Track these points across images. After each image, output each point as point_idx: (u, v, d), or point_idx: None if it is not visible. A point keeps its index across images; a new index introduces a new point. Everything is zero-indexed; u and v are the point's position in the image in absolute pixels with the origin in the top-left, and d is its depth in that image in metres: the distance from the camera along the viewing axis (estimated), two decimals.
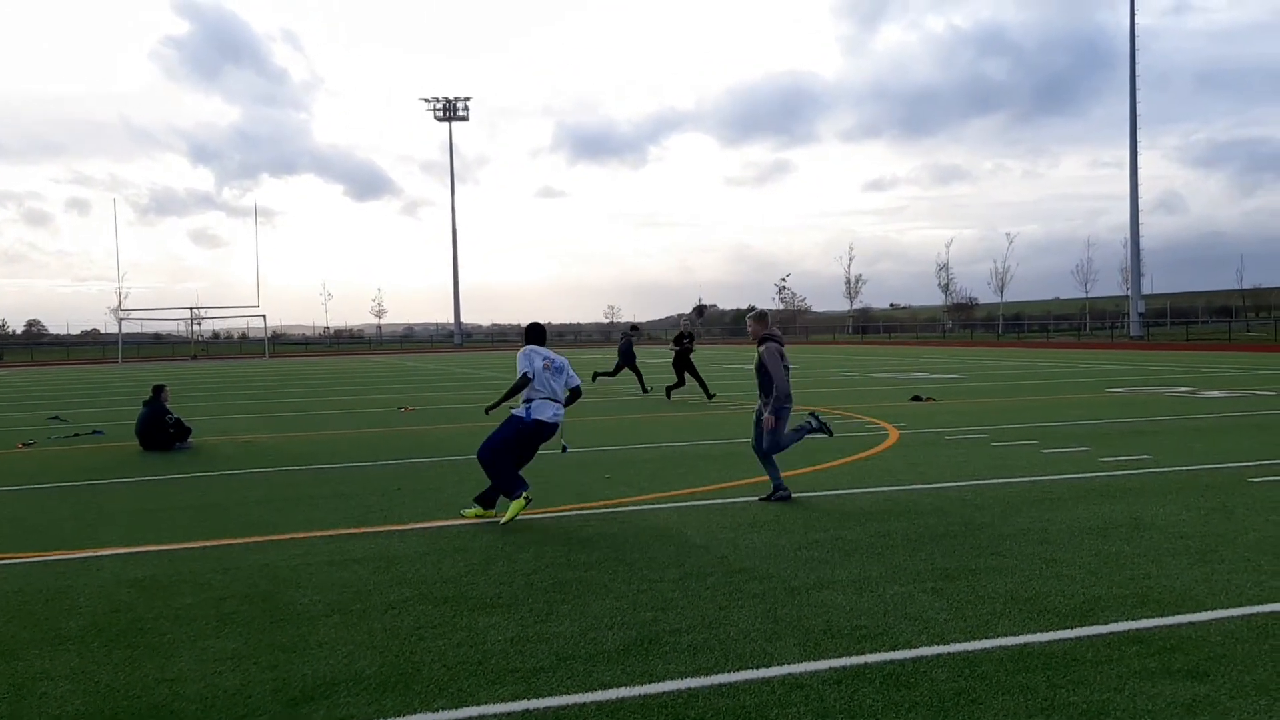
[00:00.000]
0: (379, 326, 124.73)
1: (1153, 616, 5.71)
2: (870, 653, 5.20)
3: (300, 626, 5.93)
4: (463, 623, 5.91)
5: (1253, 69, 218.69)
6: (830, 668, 4.99)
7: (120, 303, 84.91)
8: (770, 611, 5.96)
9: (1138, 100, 73.34)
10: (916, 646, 5.28)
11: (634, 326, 30.06)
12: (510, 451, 9.06)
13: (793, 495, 9.54)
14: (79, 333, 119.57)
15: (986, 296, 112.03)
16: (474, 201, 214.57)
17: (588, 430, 16.53)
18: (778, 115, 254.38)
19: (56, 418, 21.47)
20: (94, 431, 18.06)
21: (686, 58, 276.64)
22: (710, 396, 22.66)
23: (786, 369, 9.56)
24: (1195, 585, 6.35)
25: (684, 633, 5.60)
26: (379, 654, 5.40)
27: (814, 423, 9.86)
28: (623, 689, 4.79)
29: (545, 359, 9.20)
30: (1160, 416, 16.97)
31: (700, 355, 32.86)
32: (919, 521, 8.43)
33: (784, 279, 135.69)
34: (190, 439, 15.38)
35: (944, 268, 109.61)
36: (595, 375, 26.96)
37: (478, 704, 4.66)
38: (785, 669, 4.99)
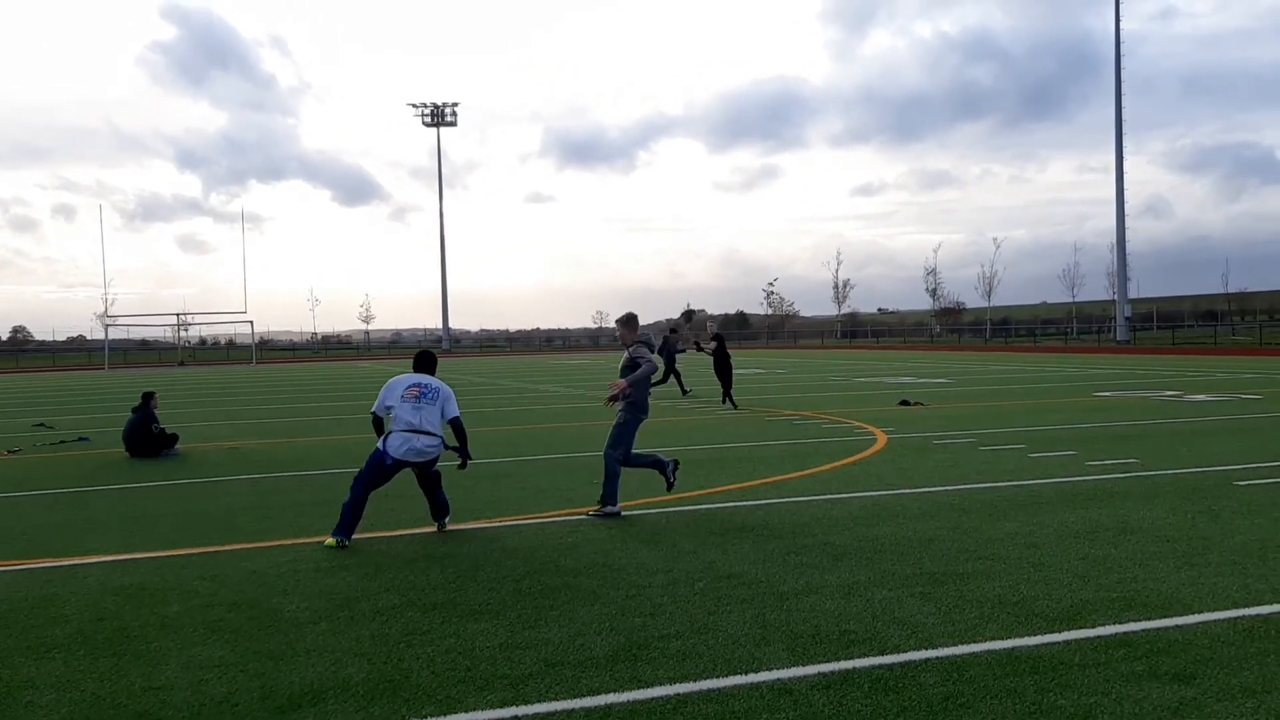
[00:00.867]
0: (367, 332, 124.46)
1: (1139, 620, 5.73)
2: (858, 657, 5.20)
3: (288, 634, 5.90)
4: (451, 629, 5.90)
5: (1238, 74, 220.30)
6: (819, 673, 4.99)
7: (106, 309, 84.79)
8: (758, 616, 5.96)
9: (1124, 105, 73.66)
10: (905, 651, 5.29)
11: (674, 330, 26.63)
12: (365, 484, 8.49)
13: (623, 514, 9.29)
14: (65, 339, 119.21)
15: (974, 301, 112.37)
16: (463, 207, 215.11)
17: (575, 436, 16.53)
18: (766, 120, 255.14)
19: (42, 425, 21.35)
20: (80, 438, 17.97)
21: (675, 63, 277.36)
22: (685, 393, 23.44)
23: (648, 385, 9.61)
24: (1182, 588, 6.37)
25: (672, 638, 5.59)
26: (367, 661, 5.38)
27: (670, 473, 9.66)
28: (611, 695, 4.78)
29: (412, 386, 8.60)
30: (1147, 420, 17.04)
31: (688, 360, 32.83)
32: (907, 526, 8.44)
33: (772, 283, 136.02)
34: (177, 446, 15.32)
35: (932, 272, 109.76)
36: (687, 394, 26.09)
37: (466, 710, 4.65)
38: (773, 674, 4.99)
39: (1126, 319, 75.35)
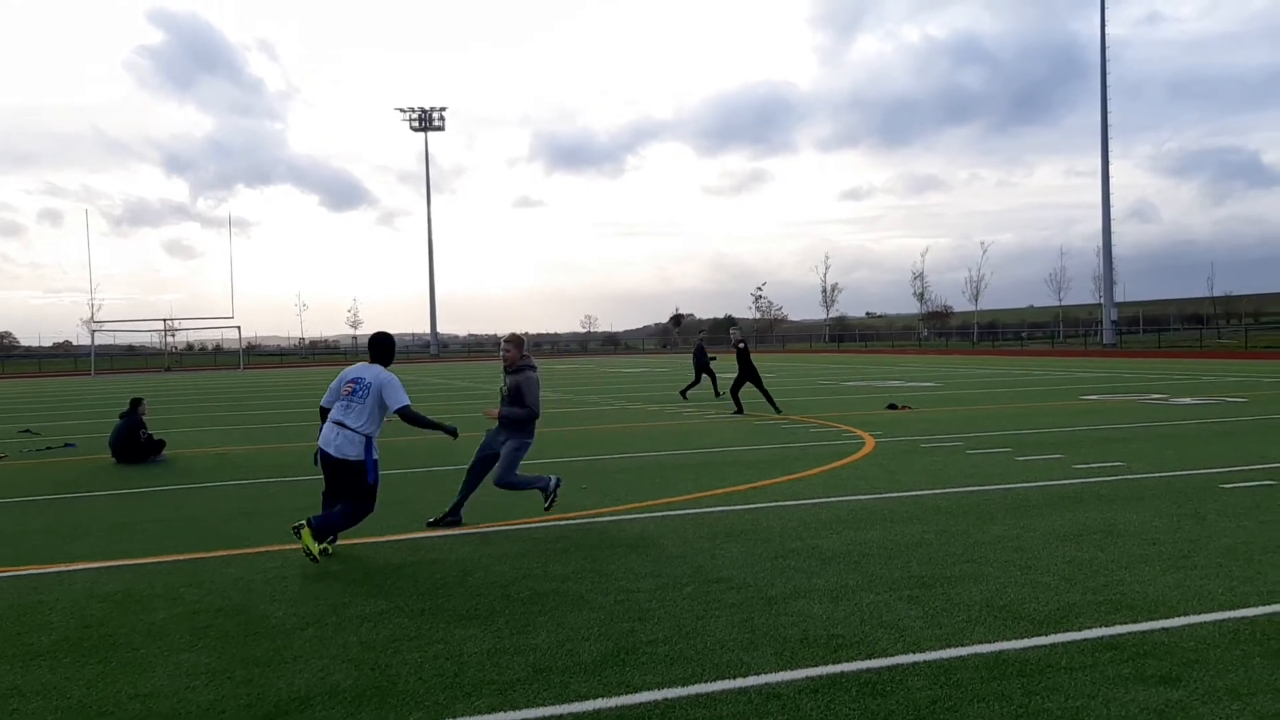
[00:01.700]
0: (355, 337, 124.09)
1: (1126, 623, 5.75)
2: (846, 662, 5.21)
3: (275, 640, 5.89)
4: (439, 635, 5.89)
5: (1224, 78, 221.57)
6: (807, 677, 5.00)
7: (93, 314, 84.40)
8: (747, 621, 5.96)
9: (1110, 110, 74.01)
10: (893, 655, 5.30)
11: (733, 327, 25.69)
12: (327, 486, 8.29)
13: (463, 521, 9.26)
14: (51, 345, 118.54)
15: (961, 305, 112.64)
16: (451, 211, 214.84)
17: (562, 441, 16.52)
18: (755, 125, 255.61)
19: (28, 431, 21.25)
20: (66, 445, 17.89)
21: (664, 67, 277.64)
22: (719, 395, 24.06)
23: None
24: (1168, 591, 6.39)
25: (661, 643, 5.59)
26: (354, 667, 5.37)
27: (552, 491, 9.55)
28: (599, 700, 4.78)
29: (348, 383, 8.22)
30: (1133, 423, 17.11)
31: (677, 363, 32.80)
32: (895, 530, 8.46)
33: (761, 287, 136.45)
34: (164, 452, 15.27)
35: (919, 276, 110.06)
36: (720, 396, 26.38)
37: (454, 716, 4.64)
38: (762, 679, 4.99)
39: (1113, 322, 75.64)
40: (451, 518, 9.25)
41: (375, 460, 8.17)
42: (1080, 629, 5.65)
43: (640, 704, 4.71)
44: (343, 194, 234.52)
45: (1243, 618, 5.81)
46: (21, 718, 4.80)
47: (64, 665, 5.54)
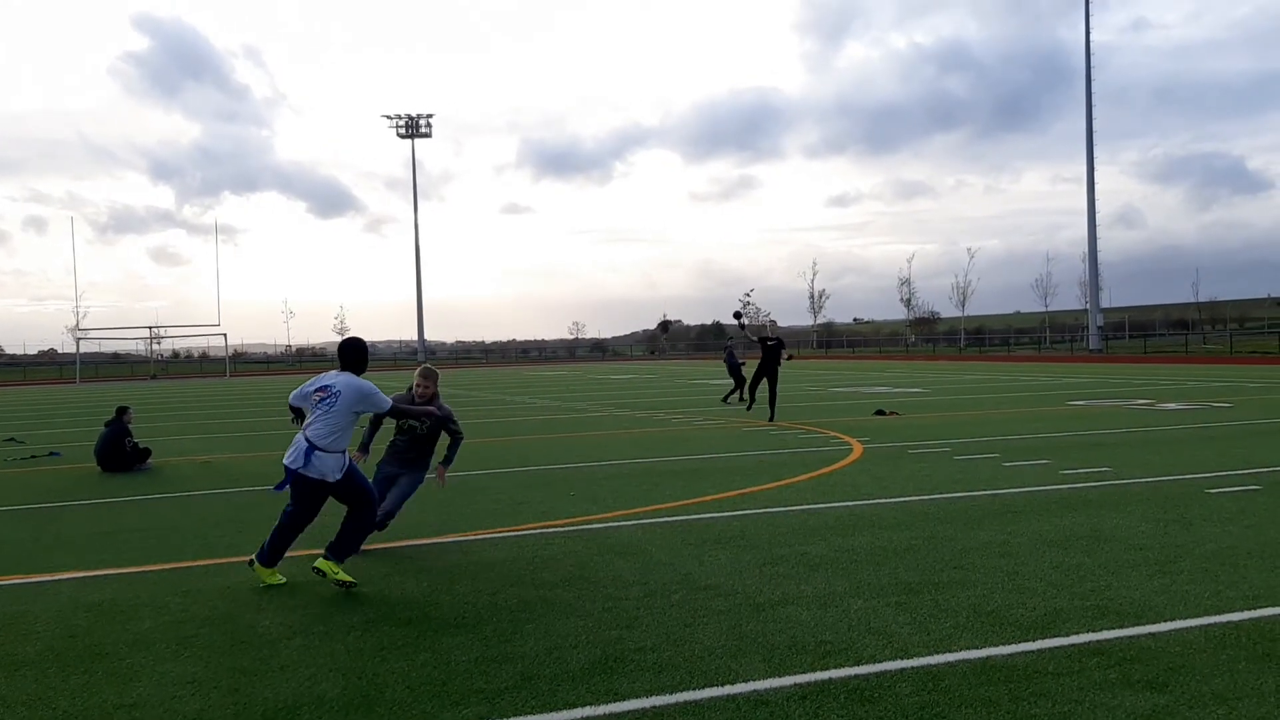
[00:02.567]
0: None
1: (1113, 628, 5.77)
2: (834, 668, 5.21)
3: (261, 649, 5.86)
4: (426, 643, 5.87)
5: (1209, 84, 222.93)
6: (795, 684, 5.00)
7: (78, 322, 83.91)
8: (735, 628, 5.96)
9: (1095, 116, 74.41)
10: (880, 661, 5.30)
11: (743, 325, 23.61)
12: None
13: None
14: (36, 352, 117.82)
15: (948, 311, 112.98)
16: (438, 218, 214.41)
17: (550, 448, 16.51)
18: (742, 131, 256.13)
19: (13, 439, 21.13)
20: (51, 453, 17.79)
21: (651, 74, 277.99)
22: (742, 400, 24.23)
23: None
24: (1154, 596, 6.42)
25: (649, 651, 5.59)
26: (342, 676, 5.35)
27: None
28: (587, 708, 4.77)
29: (320, 389, 7.33)
30: (1119, 429, 17.17)
31: (665, 370, 32.78)
32: (883, 536, 8.47)
33: (748, 294, 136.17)
34: (150, 460, 15.19)
35: (906, 282, 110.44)
36: (729, 398, 26.67)
37: None
38: (750, 686, 4.99)
39: (1099, 328, 75.97)
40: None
41: (325, 481, 7.27)
42: (1067, 634, 5.67)
43: (629, 712, 4.71)
44: (330, 201, 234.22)
45: (1228, 623, 5.84)
46: None
47: (49, 675, 5.50)
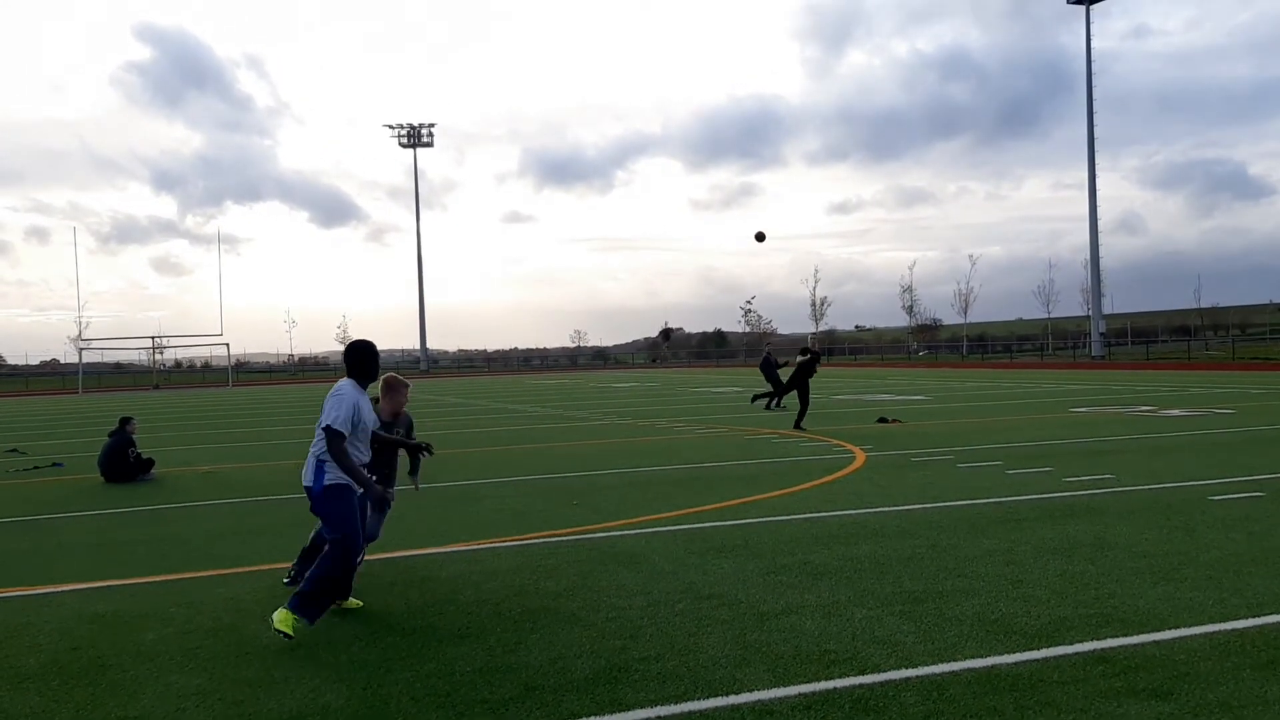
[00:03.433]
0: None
1: (1117, 636, 5.76)
2: (839, 678, 5.21)
3: (266, 660, 5.86)
4: (431, 654, 5.87)
5: (1210, 90, 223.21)
6: (799, 694, 4.99)
7: (80, 332, 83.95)
8: (739, 638, 5.96)
9: (1097, 123, 74.47)
10: (885, 670, 5.30)
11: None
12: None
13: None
14: (38, 363, 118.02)
15: (950, 318, 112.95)
16: (441, 227, 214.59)
17: (552, 457, 16.51)
18: (744, 138, 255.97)
19: (15, 450, 21.15)
20: (54, 464, 17.80)
21: (652, 82, 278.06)
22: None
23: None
24: (1158, 604, 6.41)
25: (653, 661, 5.58)
26: (346, 686, 5.35)
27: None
28: (591, 719, 4.77)
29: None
30: (1122, 436, 17.16)
31: (667, 378, 32.79)
32: (886, 544, 8.46)
33: (750, 301, 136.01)
34: (153, 471, 15.20)
35: (908, 289, 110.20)
36: (757, 400, 26.93)
37: None
38: (755, 696, 4.99)
39: (1101, 334, 75.92)
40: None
41: (333, 485, 6.58)
42: (1071, 643, 5.66)
43: None
44: (332, 210, 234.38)
45: (1232, 630, 5.83)
46: None
47: (53, 688, 5.51)
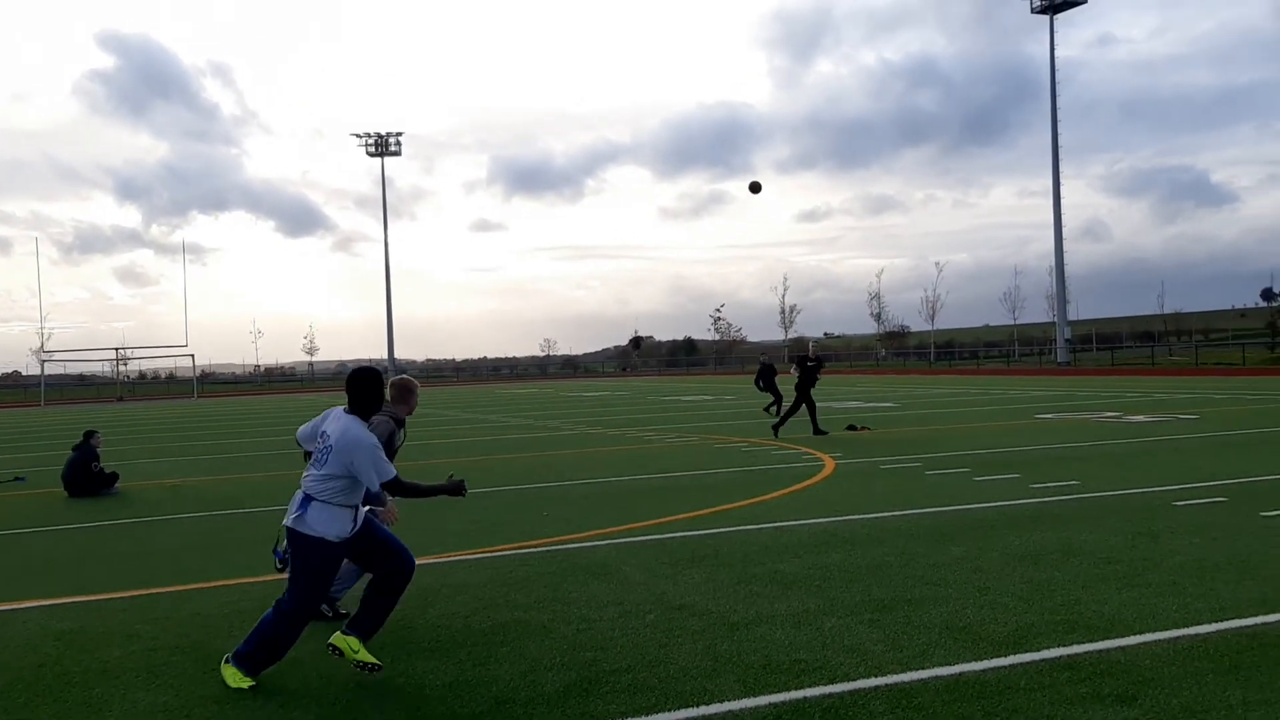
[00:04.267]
0: (311, 364, 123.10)
1: (1083, 642, 5.82)
2: (809, 687, 5.23)
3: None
4: (400, 668, 5.85)
5: (1174, 99, 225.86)
6: (770, 703, 5.01)
7: (43, 344, 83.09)
8: (710, 648, 5.97)
9: (1062, 131, 75.27)
10: (854, 679, 5.33)
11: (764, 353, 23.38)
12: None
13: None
14: None
15: (918, 325, 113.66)
16: (409, 236, 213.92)
17: (523, 467, 16.47)
18: (713, 147, 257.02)
19: None
20: (15, 478, 17.57)
21: (622, 90, 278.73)
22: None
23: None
24: (1123, 610, 6.48)
25: (624, 672, 5.59)
26: (315, 702, 5.31)
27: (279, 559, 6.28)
28: None
29: (322, 432, 5.91)
30: (1087, 442, 17.33)
31: (637, 386, 32.79)
32: (855, 553, 8.50)
33: (719, 309, 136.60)
34: (117, 485, 15.04)
35: (876, 296, 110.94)
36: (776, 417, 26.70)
37: None
38: (725, 706, 5.00)
39: (1066, 341, 76.63)
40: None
41: (315, 538, 5.69)
42: (1038, 649, 5.71)
43: None
44: (299, 220, 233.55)
45: (1196, 635, 5.90)
46: None
47: (17, 706, 5.44)
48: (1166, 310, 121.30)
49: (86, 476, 14.66)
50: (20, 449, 25.96)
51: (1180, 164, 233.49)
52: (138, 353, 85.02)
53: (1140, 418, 22.36)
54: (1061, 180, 75.98)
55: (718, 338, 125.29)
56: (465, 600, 7.39)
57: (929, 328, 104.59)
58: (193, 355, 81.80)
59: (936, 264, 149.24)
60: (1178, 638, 5.87)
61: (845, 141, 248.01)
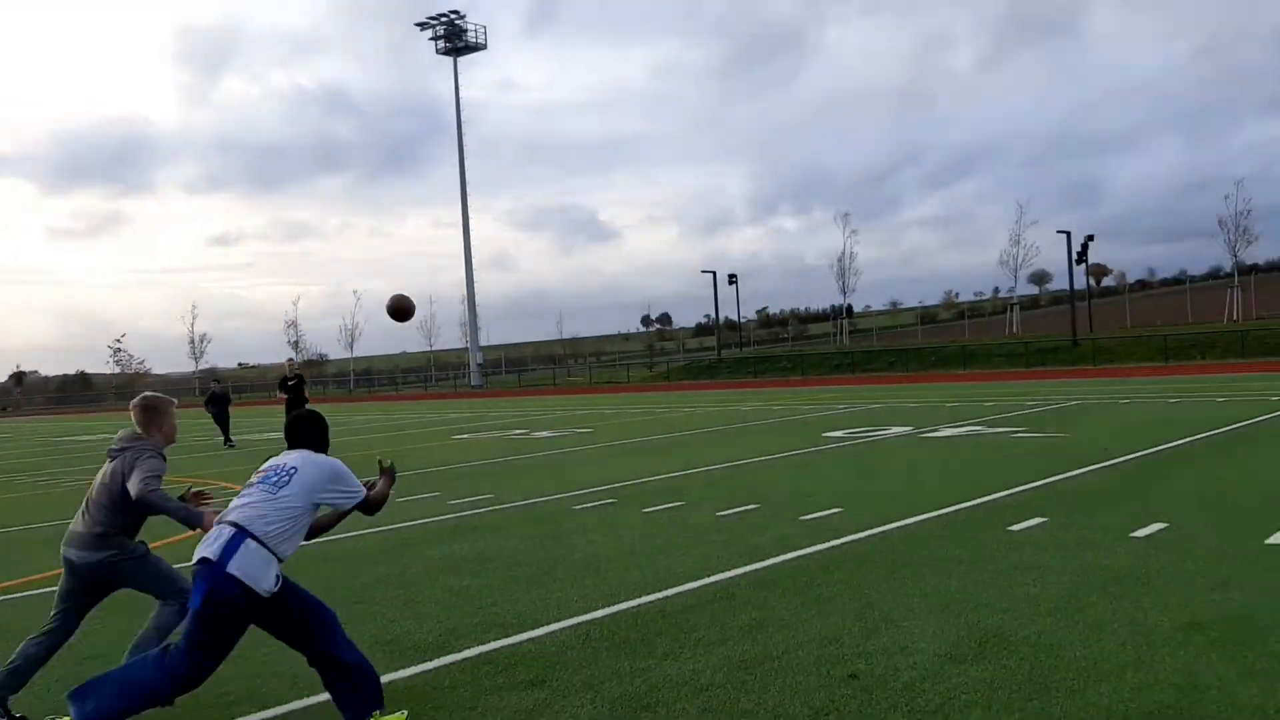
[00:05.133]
0: None
1: (500, 638, 6.37)
2: (241, 717, 5.21)
3: None
4: None
5: (568, 143, 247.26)
6: None
7: None
8: None
9: (472, 166, 79.62)
10: (287, 702, 5.39)
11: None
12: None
13: None
14: None
15: (337, 352, 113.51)
16: None
17: None
18: (111, 163, 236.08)
19: None
20: None
21: (1, 95, 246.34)
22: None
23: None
24: (534, 605, 7.17)
25: None
26: None
27: None
28: None
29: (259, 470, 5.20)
30: (500, 457, 18.59)
31: (20, 427, 29.45)
32: None
33: (119, 339, 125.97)
34: None
35: (293, 324, 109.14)
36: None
37: None
38: None
39: (479, 365, 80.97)
40: None
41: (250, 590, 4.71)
42: (460, 650, 6.17)
43: None
44: None
45: (593, 619, 6.71)
46: None
47: None
48: (565, 335, 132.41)
49: None
50: None
51: (574, 202, 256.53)
52: None
53: (544, 433, 24.36)
54: (471, 213, 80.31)
55: (118, 370, 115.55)
56: None
57: (348, 355, 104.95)
58: None
59: (355, 292, 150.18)
60: (579, 624, 6.63)
61: (259, 164, 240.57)
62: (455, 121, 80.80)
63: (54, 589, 5.70)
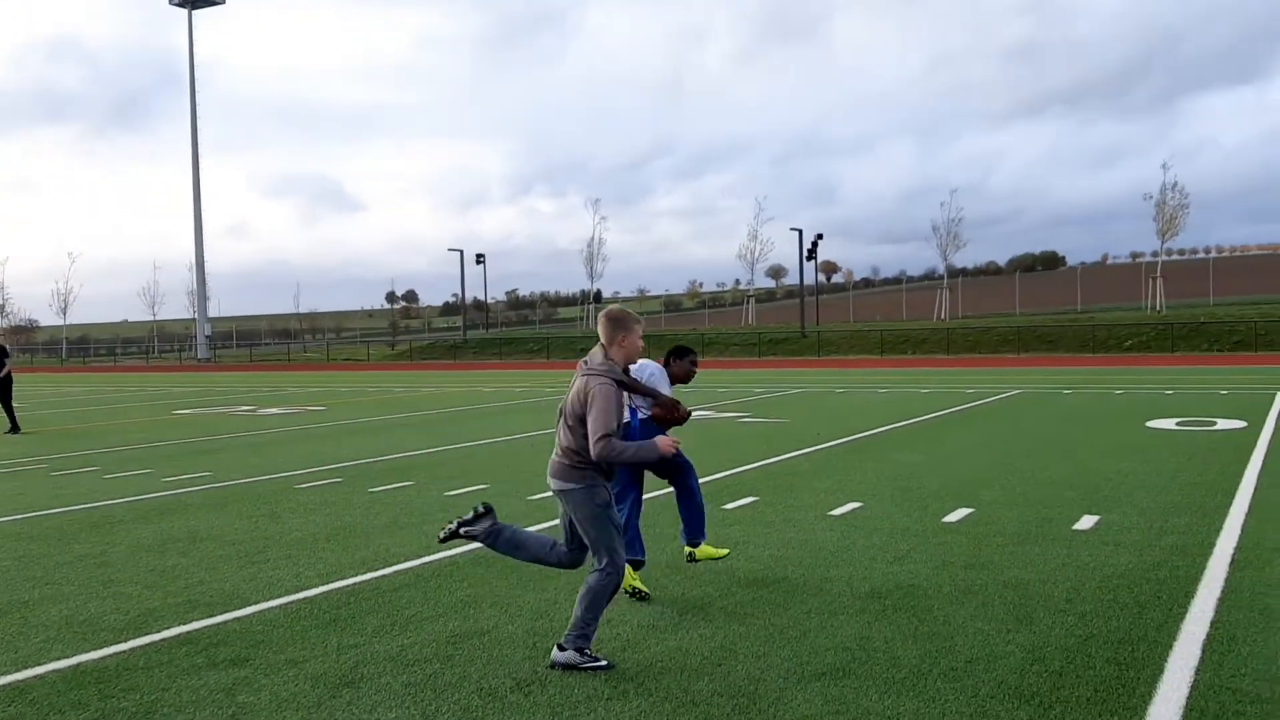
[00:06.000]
0: None
1: (203, 618, 6.19)
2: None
3: None
4: None
5: (319, 109, 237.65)
6: None
7: None
8: None
9: (207, 126, 75.41)
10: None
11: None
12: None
13: None
14: None
15: (49, 319, 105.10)
16: None
17: None
18: None
19: None
20: None
21: None
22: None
23: None
24: (243, 585, 6.99)
25: None
26: None
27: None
28: None
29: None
30: (222, 435, 17.84)
31: None
32: None
33: None
34: None
35: (1, 288, 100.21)
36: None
37: None
38: None
39: (207, 337, 77.05)
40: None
41: None
42: (159, 630, 5.95)
43: None
44: None
45: (305, 598, 6.62)
46: None
47: None
48: (303, 309, 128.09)
49: None
50: None
51: (320, 171, 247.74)
52: None
53: (273, 410, 23.54)
54: (206, 176, 76.22)
55: None
56: None
57: (61, 322, 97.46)
58: None
59: (69, 255, 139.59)
60: (289, 603, 6.52)
61: None
62: (189, 77, 76.37)
63: None
